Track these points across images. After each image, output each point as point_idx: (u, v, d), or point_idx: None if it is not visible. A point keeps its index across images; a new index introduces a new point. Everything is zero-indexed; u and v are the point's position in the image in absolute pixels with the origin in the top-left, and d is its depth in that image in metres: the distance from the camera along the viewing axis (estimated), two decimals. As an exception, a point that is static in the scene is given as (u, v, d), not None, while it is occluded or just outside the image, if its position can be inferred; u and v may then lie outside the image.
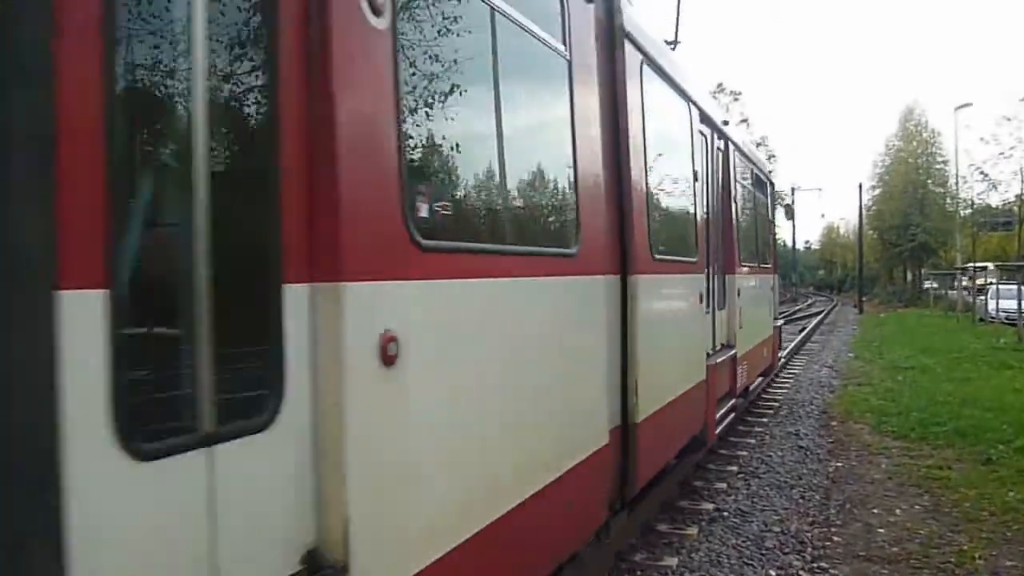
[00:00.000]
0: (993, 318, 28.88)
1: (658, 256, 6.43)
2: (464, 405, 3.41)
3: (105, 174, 1.88)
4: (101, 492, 1.84)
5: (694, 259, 7.99)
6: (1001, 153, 69.01)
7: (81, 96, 1.84)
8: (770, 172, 16.87)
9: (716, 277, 9.40)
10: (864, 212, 57.59)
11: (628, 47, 5.94)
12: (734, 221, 10.61)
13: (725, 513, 7.70)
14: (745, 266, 11.42)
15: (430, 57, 3.33)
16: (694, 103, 8.50)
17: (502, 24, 3.90)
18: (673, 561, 6.53)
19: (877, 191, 63.18)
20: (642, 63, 6.34)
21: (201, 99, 2.16)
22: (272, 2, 2.44)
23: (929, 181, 58.35)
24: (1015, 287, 28.44)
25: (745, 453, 10.32)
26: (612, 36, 5.78)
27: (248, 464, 2.29)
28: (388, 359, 2.78)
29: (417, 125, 3.29)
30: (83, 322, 1.81)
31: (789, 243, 72.27)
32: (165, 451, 2.02)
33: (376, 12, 2.78)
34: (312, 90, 2.56)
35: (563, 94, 4.72)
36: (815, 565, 6.60)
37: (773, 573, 6.41)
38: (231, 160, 2.60)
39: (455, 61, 3.50)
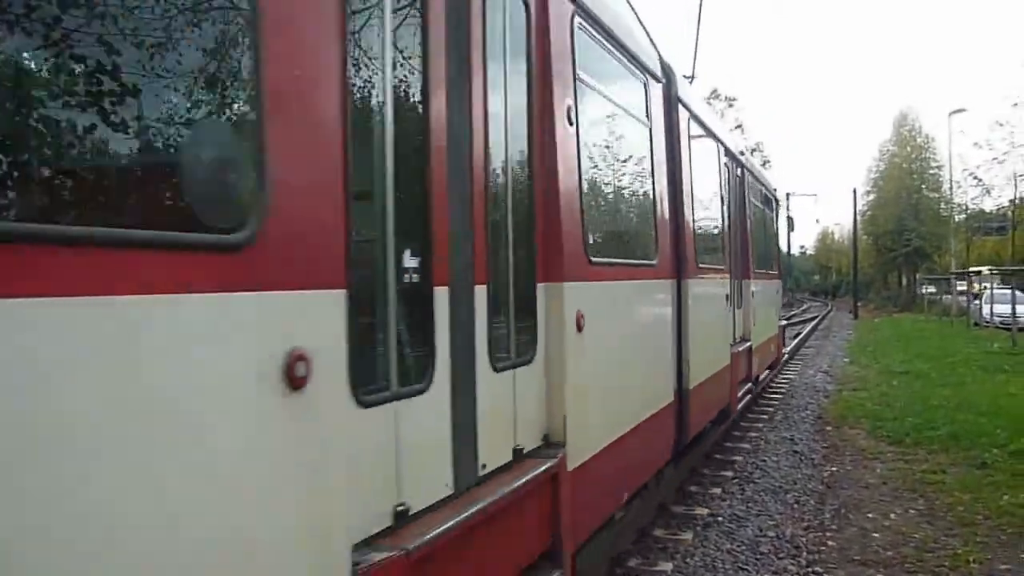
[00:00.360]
0: (987, 323, 28.93)
1: (700, 264, 8.38)
2: (613, 356, 5.56)
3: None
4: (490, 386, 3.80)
5: (723, 267, 10.08)
6: (995, 158, 69.20)
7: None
8: (775, 190, 19.16)
9: (735, 282, 10.98)
10: (859, 217, 57.71)
11: (681, 109, 8.00)
12: (748, 234, 12.55)
13: (720, 518, 7.70)
14: (757, 273, 13.23)
15: (591, 145, 5.36)
16: (721, 141, 10.68)
17: (620, 114, 6.18)
18: (668, 566, 6.53)
19: (872, 196, 63.33)
20: (688, 119, 8.30)
21: (507, 183, 4.15)
22: (531, 122, 4.39)
23: (923, 186, 58.52)
24: (1009, 292, 28.54)
25: (740, 458, 10.33)
26: (671, 103, 7.71)
27: (524, 382, 4.19)
28: (579, 327, 4.69)
29: (587, 189, 5.20)
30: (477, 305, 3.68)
31: (785, 249, 72.30)
32: (501, 367, 3.92)
33: (570, 123, 4.80)
34: (545, 168, 4.49)
35: (647, 151, 6.77)
36: (810, 570, 6.60)
37: (768, 578, 6.42)
38: (520, 217, 4.26)
39: (602, 145, 5.84)
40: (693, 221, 8.21)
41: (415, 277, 3.19)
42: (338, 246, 2.58)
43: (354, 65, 2.89)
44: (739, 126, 73.77)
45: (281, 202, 2.31)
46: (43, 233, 1.72)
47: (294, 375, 2.30)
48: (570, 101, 4.82)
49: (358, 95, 2.98)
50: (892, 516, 8.02)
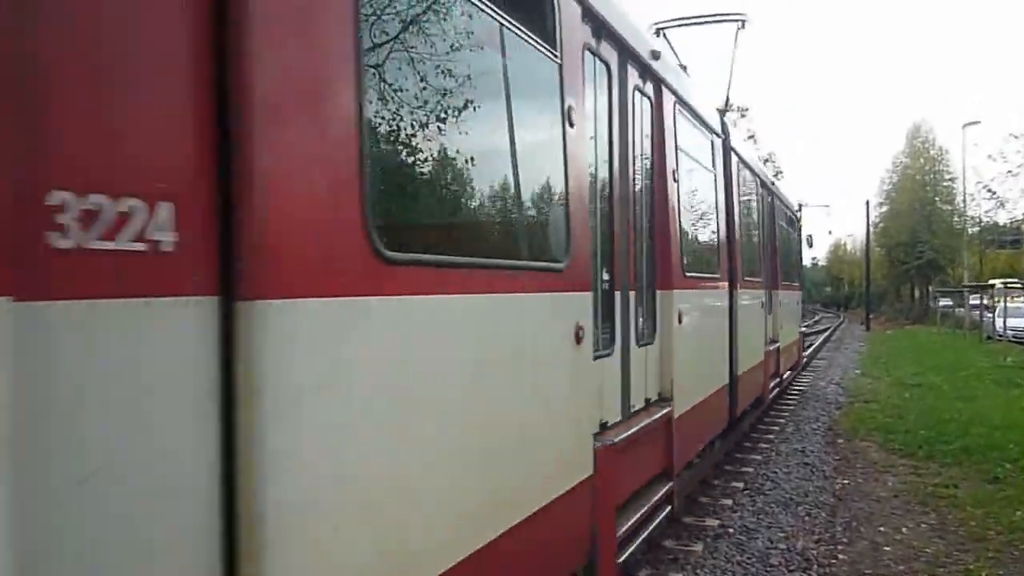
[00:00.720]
0: (1000, 336, 28.80)
1: (744, 277, 10.39)
2: (697, 343, 7.63)
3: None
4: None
5: (760, 279, 12.28)
6: (1009, 171, 68.78)
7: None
8: (796, 211, 22.41)
9: (767, 292, 12.99)
10: (871, 229, 57.52)
11: (733, 156, 10.23)
12: (776, 251, 14.64)
13: (731, 530, 7.68)
14: (784, 285, 15.32)
15: (683, 193, 7.38)
16: (757, 175, 12.83)
17: (698, 168, 8.23)
18: (678, 577, 6.52)
19: (884, 208, 63.20)
20: (738, 163, 10.59)
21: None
22: (652, 180, 6.44)
23: (937, 198, 58.38)
24: (1023, 305, 28.40)
25: (751, 470, 10.30)
26: (727, 153, 9.93)
27: (651, 355, 6.22)
28: (680, 321, 6.68)
29: (682, 224, 7.23)
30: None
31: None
32: (641, 344, 6.02)
33: (674, 180, 6.80)
34: (659, 213, 6.62)
35: (712, 193, 9.06)
36: (821, 583, 6.59)
37: (778, 590, 6.40)
38: (647, 245, 6.41)
39: (689, 191, 7.83)
40: (740, 241, 10.35)
41: (607, 285, 5.46)
42: (591, 270, 4.68)
43: (587, 173, 4.83)
44: (751, 136, 73.77)
45: (574, 248, 4.29)
46: (494, 264, 3.59)
47: (578, 336, 4.33)
48: (673, 164, 6.81)
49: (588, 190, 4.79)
50: (904, 530, 7.99)
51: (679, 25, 11.29)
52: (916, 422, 13.52)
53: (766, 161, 72.02)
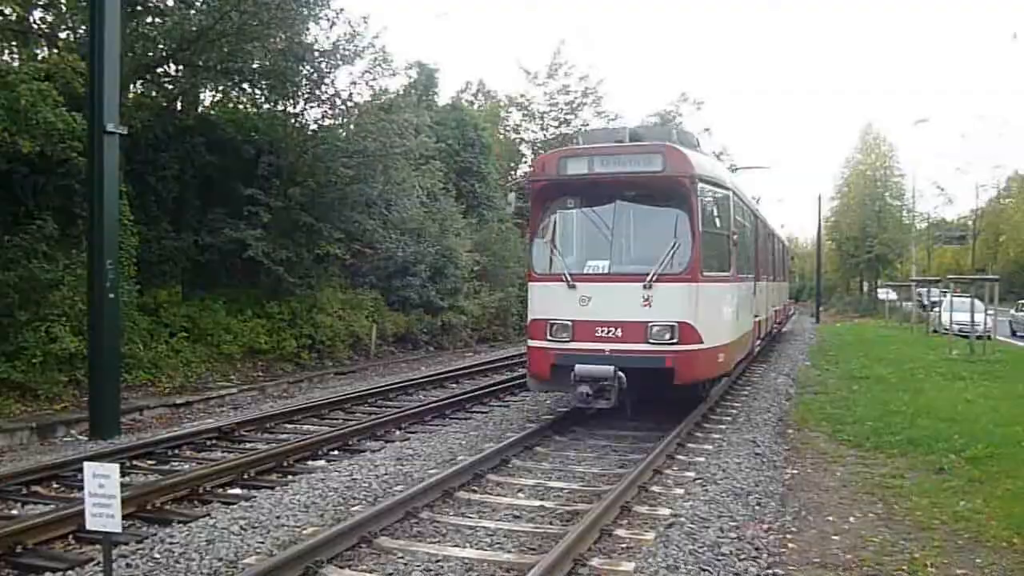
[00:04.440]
0: (946, 330, 29.31)
1: (746, 272, 15.53)
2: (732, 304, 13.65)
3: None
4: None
5: (753, 272, 17.25)
6: (957, 168, 69.63)
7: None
8: (778, 233, 31.31)
9: (754, 282, 17.25)
10: (823, 223, 58.26)
11: (759, 220, 19.62)
12: (759, 256, 18.85)
13: (683, 519, 7.71)
14: (764, 278, 20.21)
15: (737, 234, 13.88)
16: (760, 220, 20.40)
17: (741, 220, 15.05)
18: (630, 566, 6.53)
19: (836, 203, 63.97)
20: (757, 223, 18.60)
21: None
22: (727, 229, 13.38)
23: (887, 194, 59.19)
24: (968, 300, 28.93)
25: (703, 459, 10.37)
26: (755, 215, 18.71)
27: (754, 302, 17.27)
28: (762, 289, 18.76)
29: (736, 245, 13.60)
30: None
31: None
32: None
33: (733, 232, 13.52)
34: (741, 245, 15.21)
35: (757, 234, 18.39)
36: (770, 571, 6.63)
37: (729, 579, 6.44)
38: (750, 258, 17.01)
39: (739, 232, 14.28)
40: (756, 255, 18.04)
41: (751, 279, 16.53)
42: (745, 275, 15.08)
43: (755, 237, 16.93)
44: (707, 130, 74.10)
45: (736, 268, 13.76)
46: (744, 276, 15.21)
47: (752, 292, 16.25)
48: (744, 226, 15.26)
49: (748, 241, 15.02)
50: (851, 519, 8.10)
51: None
52: (864, 413, 13.73)
53: (720, 155, 72.55)
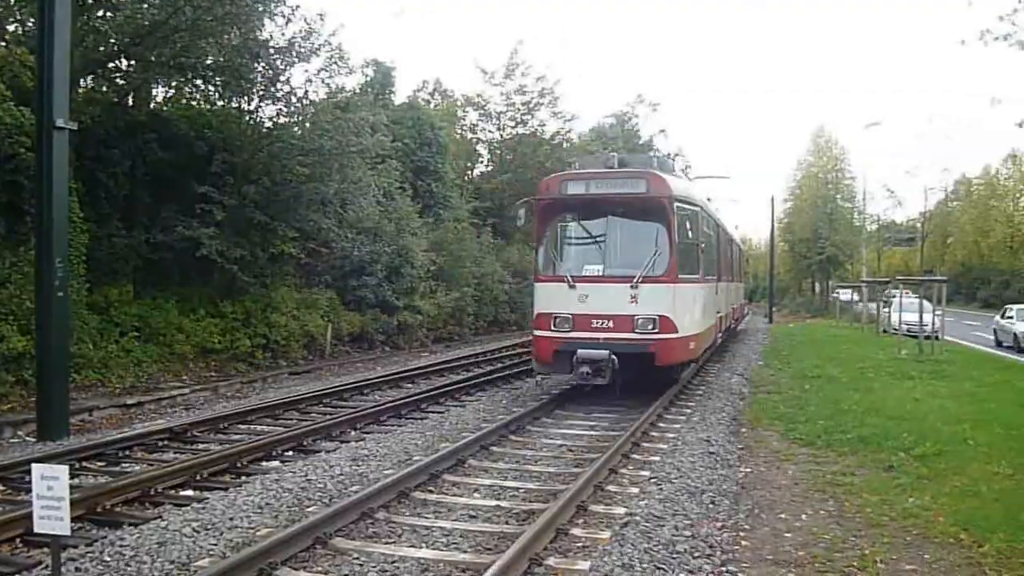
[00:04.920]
0: (896, 330, 29.81)
1: (710, 275, 17.63)
2: (708, 302, 17.40)
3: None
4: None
5: (716, 275, 19.34)
6: (907, 171, 71.04)
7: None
8: (739, 241, 36.56)
9: (716, 283, 19.48)
10: (776, 224, 58.95)
11: (720, 228, 22.30)
12: (721, 261, 21.58)
13: (638, 517, 7.75)
14: (726, 280, 23.10)
15: (705, 243, 16.72)
16: (722, 228, 22.97)
17: (707, 230, 17.81)
18: (586, 565, 6.56)
19: (789, 205, 64.79)
20: (719, 231, 21.31)
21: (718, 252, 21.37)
22: (699, 239, 16.25)
23: (838, 196, 60.01)
24: (917, 301, 29.46)
25: (658, 459, 10.44)
26: (718, 225, 21.44)
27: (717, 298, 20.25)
28: (716, 290, 19.62)
29: (704, 252, 16.28)
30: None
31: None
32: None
33: (700, 238, 16.05)
34: (712, 252, 18.94)
35: (719, 242, 20.89)
36: (724, 569, 6.70)
37: (683, 577, 6.49)
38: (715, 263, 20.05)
39: (705, 241, 16.86)
40: (719, 260, 20.48)
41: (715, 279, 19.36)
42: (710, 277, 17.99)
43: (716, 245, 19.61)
44: (663, 131, 74.71)
45: (705, 271, 16.91)
46: (705, 277, 17.28)
47: (713, 291, 18.41)
48: (712, 238, 18.30)
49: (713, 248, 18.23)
50: (803, 517, 8.21)
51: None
52: (816, 412, 13.91)
53: (676, 156, 73.08)
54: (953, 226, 77.12)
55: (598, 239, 14.59)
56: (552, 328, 14.20)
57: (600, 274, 14.18)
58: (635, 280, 13.69)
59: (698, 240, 15.68)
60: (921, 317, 26.16)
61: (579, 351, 13.62)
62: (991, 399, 15.55)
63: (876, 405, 14.48)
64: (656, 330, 13.68)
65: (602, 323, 13.86)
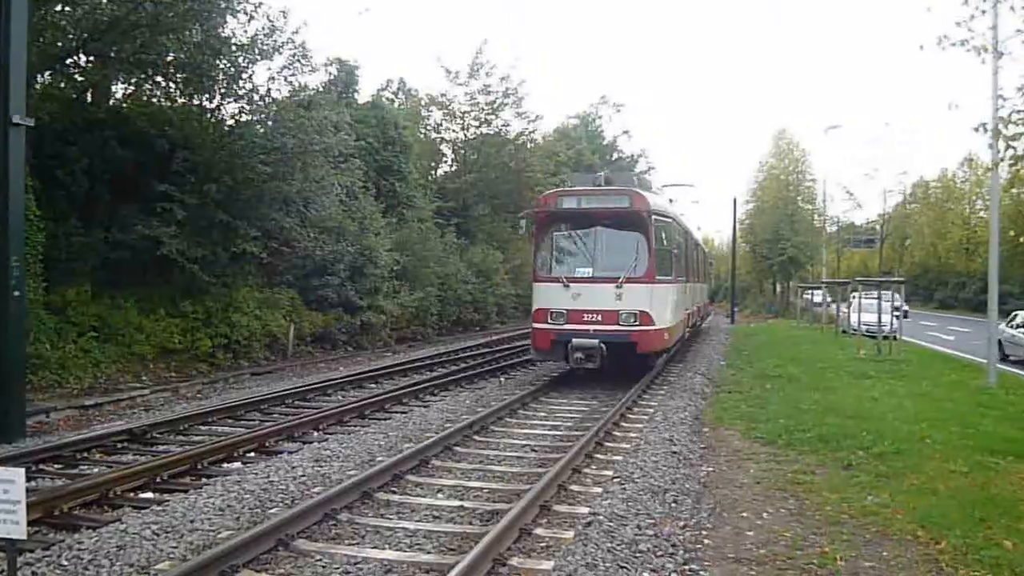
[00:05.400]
0: (855, 331, 30.19)
1: (680, 277, 19.92)
2: (679, 299, 19.65)
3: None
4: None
5: (685, 277, 21.29)
6: (866, 173, 72.10)
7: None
8: (703, 245, 39.79)
9: (685, 283, 21.48)
10: (738, 225, 59.40)
11: (687, 231, 25.28)
12: (689, 264, 23.67)
13: (601, 517, 7.78)
14: (692, 280, 24.82)
15: (677, 248, 19.92)
16: (690, 234, 26.28)
17: (679, 239, 20.57)
18: (549, 565, 6.57)
19: (751, 206, 65.29)
20: (687, 238, 24.19)
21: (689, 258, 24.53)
22: (672, 246, 19.19)
23: (799, 198, 60.56)
24: (875, 301, 29.86)
25: (620, 458, 10.48)
26: (687, 233, 24.77)
27: (690, 296, 24.42)
28: (685, 290, 21.96)
29: (672, 256, 18.59)
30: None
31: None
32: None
33: (677, 245, 19.98)
34: (681, 258, 21.36)
35: (687, 248, 23.50)
36: (687, 568, 6.75)
37: (646, 575, 6.52)
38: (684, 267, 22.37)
39: (676, 247, 19.72)
40: (686, 263, 22.01)
41: (684, 279, 21.97)
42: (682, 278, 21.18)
43: (685, 251, 22.39)
44: (626, 132, 75.20)
45: (678, 274, 20.08)
46: (680, 279, 20.79)
47: (681, 291, 20.81)
48: (683, 246, 21.29)
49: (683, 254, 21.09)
50: (765, 515, 8.28)
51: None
52: (777, 412, 14.05)
53: (639, 157, 73.60)
54: (911, 228, 78.20)
55: (588, 246, 17.00)
56: (549, 321, 16.53)
57: (590, 276, 16.53)
58: (620, 281, 16.10)
59: (671, 247, 18.40)
60: (880, 318, 26.51)
61: (573, 340, 16.02)
62: (947, 398, 15.81)
63: (836, 404, 14.65)
64: (637, 323, 16.09)
65: (592, 317, 16.17)
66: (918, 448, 11.11)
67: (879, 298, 28.86)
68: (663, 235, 17.45)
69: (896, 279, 34.58)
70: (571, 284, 16.38)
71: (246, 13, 20.89)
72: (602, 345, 15.81)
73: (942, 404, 15.03)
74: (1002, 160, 9.46)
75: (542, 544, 7.25)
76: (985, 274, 20.27)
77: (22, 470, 5.53)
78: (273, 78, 22.32)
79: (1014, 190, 48.29)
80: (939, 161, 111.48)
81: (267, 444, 11.70)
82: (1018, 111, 8.75)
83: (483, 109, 45.79)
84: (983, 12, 9.42)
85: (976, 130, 9.20)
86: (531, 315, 17.51)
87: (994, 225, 18.70)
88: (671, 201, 27.66)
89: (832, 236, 62.50)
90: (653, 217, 16.60)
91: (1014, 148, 8.83)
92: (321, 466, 9.85)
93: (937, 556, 6.99)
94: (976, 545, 7.16)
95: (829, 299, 45.63)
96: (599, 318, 16.10)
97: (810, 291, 54.52)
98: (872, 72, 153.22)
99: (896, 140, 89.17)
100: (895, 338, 26.23)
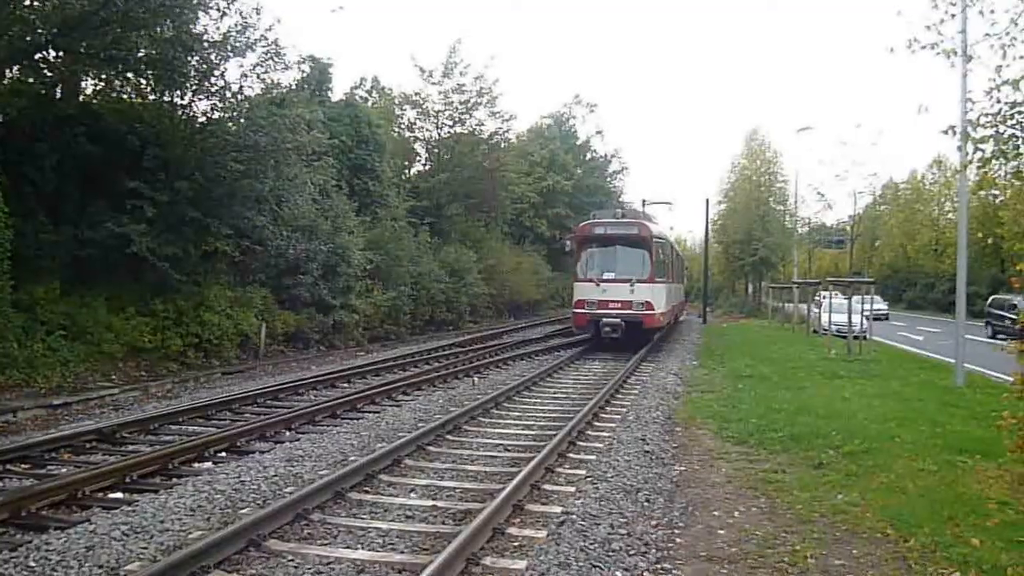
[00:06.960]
0: (825, 331, 30.48)
1: (670, 279, 29.12)
2: (671, 294, 29.85)
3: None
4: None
5: (673, 279, 30.88)
6: (837, 175, 72.67)
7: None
8: (682, 255, 47.10)
9: (670, 284, 28.58)
10: (710, 226, 59.71)
11: (673, 248, 35.31)
12: (674, 270, 31.14)
13: (574, 516, 7.80)
14: (675, 281, 32.40)
15: (671, 262, 30.86)
16: (674, 247, 36.45)
17: (671, 252, 31.62)
18: (522, 564, 6.58)
19: (723, 206, 65.61)
20: (673, 250, 33.35)
21: (671, 267, 32.43)
22: (665, 259, 28.62)
23: (771, 199, 60.92)
24: (846, 302, 30.15)
25: (593, 457, 10.51)
26: (673, 248, 34.76)
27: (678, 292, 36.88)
28: (672, 289, 31.60)
29: (664, 265, 27.40)
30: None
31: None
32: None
33: (669, 258, 30.94)
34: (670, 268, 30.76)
35: (673, 258, 32.49)
36: (659, 566, 6.78)
37: (619, 574, 6.54)
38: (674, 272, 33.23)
39: (670, 261, 30.33)
40: (671, 268, 30.16)
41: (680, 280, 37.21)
42: (679, 281, 36.77)
43: (672, 260, 32.31)
44: (600, 132, 75.35)
45: (674, 277, 32.22)
46: (673, 280, 33.80)
47: (676, 286, 35.41)
48: (670, 257, 30.20)
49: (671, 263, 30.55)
50: (736, 514, 8.34)
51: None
52: (748, 411, 14.15)
53: (613, 157, 73.87)
54: (881, 229, 79.03)
55: (611, 258, 24.79)
56: (586, 308, 24.46)
57: (613, 278, 24.31)
58: (632, 281, 24.01)
59: (665, 259, 26.98)
60: (850, 318, 26.78)
61: (602, 320, 23.99)
62: (916, 397, 16.00)
63: (807, 404, 14.77)
64: (644, 309, 23.95)
65: (614, 305, 24.00)
66: (887, 447, 11.23)
67: (850, 299, 29.11)
68: (660, 251, 25.71)
69: (866, 280, 34.89)
70: (600, 283, 24.26)
71: (218, 9, 20.73)
72: (622, 323, 23.68)
73: (911, 404, 15.20)
74: (971, 163, 9.55)
75: (515, 543, 7.25)
76: (954, 275, 20.43)
77: (-11, 470, 5.47)
78: (246, 75, 22.17)
79: (982, 192, 48.97)
80: (909, 163, 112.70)
81: (238, 444, 11.61)
82: (986, 114, 8.83)
83: (457, 108, 45.74)
84: (952, 16, 9.49)
85: (945, 133, 9.28)
86: (572, 304, 25.80)
87: (962, 227, 18.94)
88: (671, 230, 37.99)
89: (803, 237, 62.92)
90: (654, 239, 25.05)
91: (982, 151, 8.92)
92: (293, 466, 9.80)
93: (906, 554, 7.07)
94: (944, 543, 7.25)
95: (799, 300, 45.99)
96: (619, 306, 23.90)
97: (785, 303, 55.07)
98: (844, 74, 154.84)
99: (866, 141, 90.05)
100: (865, 338, 26.50)
